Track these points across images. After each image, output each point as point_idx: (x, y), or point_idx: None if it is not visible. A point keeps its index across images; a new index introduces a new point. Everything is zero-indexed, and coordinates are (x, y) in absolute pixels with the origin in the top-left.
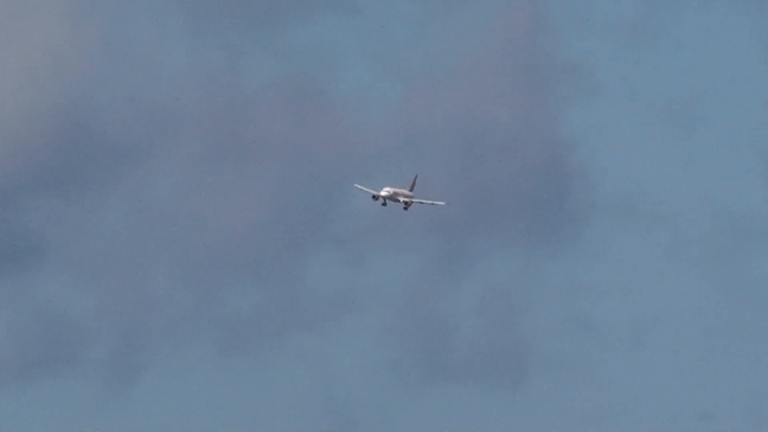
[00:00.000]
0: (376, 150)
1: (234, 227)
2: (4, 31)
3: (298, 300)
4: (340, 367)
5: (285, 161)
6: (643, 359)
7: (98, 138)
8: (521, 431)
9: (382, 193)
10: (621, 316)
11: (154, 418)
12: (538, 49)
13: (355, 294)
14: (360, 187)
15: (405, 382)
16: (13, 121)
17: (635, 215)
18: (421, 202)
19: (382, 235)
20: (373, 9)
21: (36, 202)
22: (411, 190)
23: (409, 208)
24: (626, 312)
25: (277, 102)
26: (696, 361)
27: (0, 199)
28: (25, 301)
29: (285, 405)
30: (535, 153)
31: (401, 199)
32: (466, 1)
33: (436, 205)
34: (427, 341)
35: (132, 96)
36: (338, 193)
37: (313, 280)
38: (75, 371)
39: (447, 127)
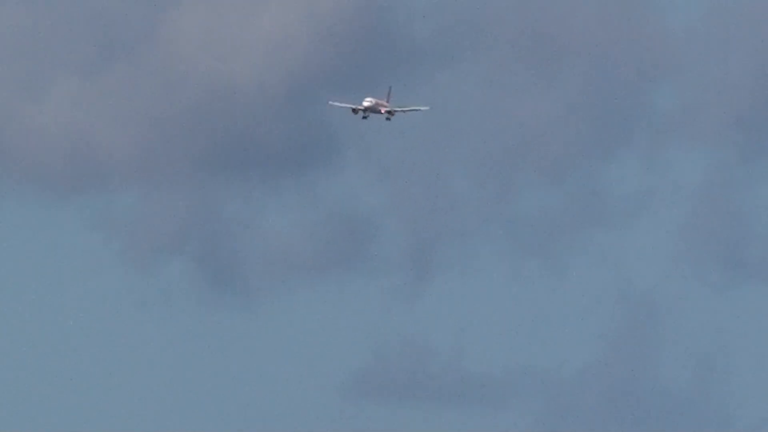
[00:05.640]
0: (675, 53)
1: (531, 126)
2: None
3: (594, 199)
4: (636, 264)
5: (588, 62)
6: None
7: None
8: None
9: (365, 104)
10: None
11: (446, 316)
12: None
13: (651, 192)
14: (335, 103)
15: (703, 278)
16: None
17: None
18: (404, 110)
19: (679, 132)
20: None
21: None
22: (387, 101)
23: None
24: None
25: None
26: None
27: (299, 98)
28: (319, 199)
29: (581, 302)
30: None
31: (382, 110)
32: None
33: (421, 110)
34: (727, 238)
35: None
36: (638, 93)
37: (610, 179)
38: (368, 269)
39: (749, 27)
